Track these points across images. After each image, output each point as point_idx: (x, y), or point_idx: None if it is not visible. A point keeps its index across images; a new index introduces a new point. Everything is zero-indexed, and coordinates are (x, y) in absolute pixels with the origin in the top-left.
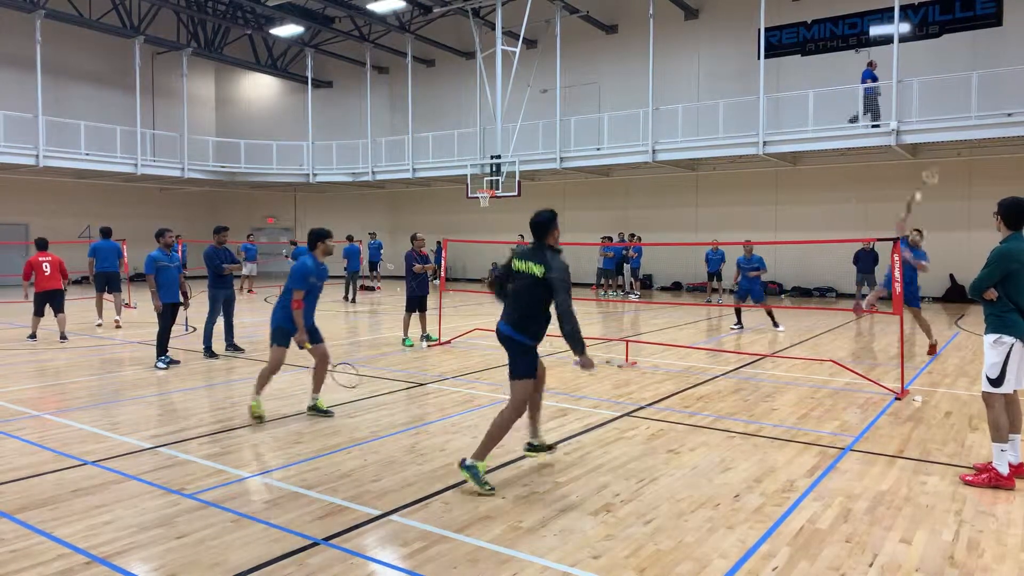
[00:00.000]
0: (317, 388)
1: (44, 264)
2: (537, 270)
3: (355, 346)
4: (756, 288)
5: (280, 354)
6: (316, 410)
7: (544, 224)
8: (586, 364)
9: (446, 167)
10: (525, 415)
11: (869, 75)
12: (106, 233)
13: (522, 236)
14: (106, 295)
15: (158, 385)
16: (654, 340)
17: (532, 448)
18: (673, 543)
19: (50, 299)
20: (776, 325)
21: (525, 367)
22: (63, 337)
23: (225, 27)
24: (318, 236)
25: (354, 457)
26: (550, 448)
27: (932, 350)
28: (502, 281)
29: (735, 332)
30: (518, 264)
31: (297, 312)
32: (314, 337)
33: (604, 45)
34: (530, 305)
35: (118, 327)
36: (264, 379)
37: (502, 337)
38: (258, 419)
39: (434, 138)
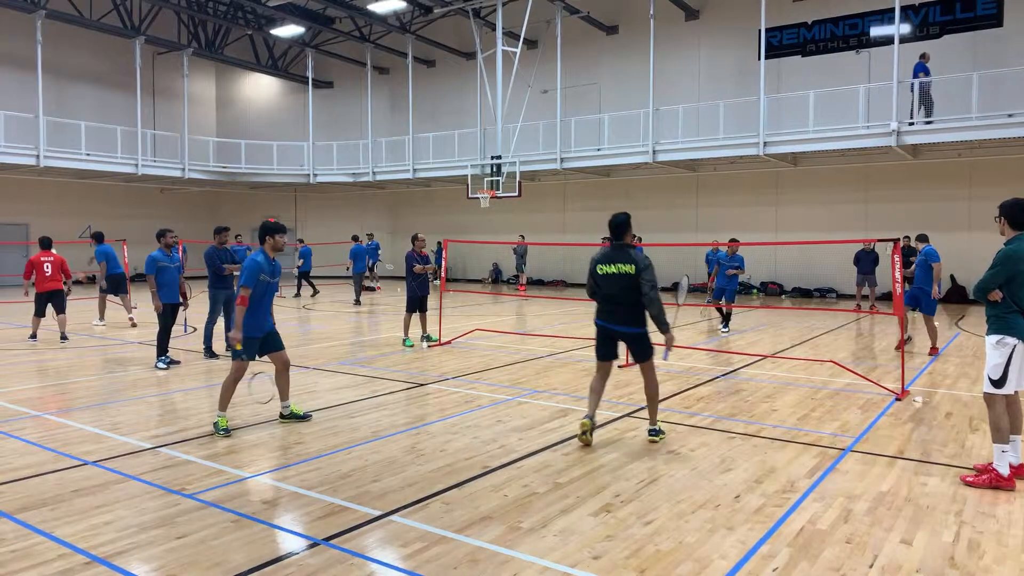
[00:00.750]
0: (285, 396)
1: (45, 264)
2: (629, 268)
3: (356, 346)
4: (731, 288)
5: (242, 365)
6: (292, 416)
7: (623, 225)
8: (670, 341)
9: (447, 167)
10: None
11: (922, 68)
12: (99, 238)
13: (522, 236)
14: (112, 297)
15: (158, 385)
16: (654, 341)
17: (593, 423)
18: (673, 543)
19: (51, 299)
20: (725, 325)
21: (651, 347)
22: (63, 337)
23: (226, 27)
24: (268, 230)
25: (354, 457)
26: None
27: (933, 351)
28: (595, 288)
29: (725, 335)
30: (605, 268)
31: (240, 309)
32: (274, 343)
33: (604, 46)
34: (633, 299)
35: (133, 326)
36: (228, 392)
37: (623, 336)
38: (225, 433)
39: (435, 138)
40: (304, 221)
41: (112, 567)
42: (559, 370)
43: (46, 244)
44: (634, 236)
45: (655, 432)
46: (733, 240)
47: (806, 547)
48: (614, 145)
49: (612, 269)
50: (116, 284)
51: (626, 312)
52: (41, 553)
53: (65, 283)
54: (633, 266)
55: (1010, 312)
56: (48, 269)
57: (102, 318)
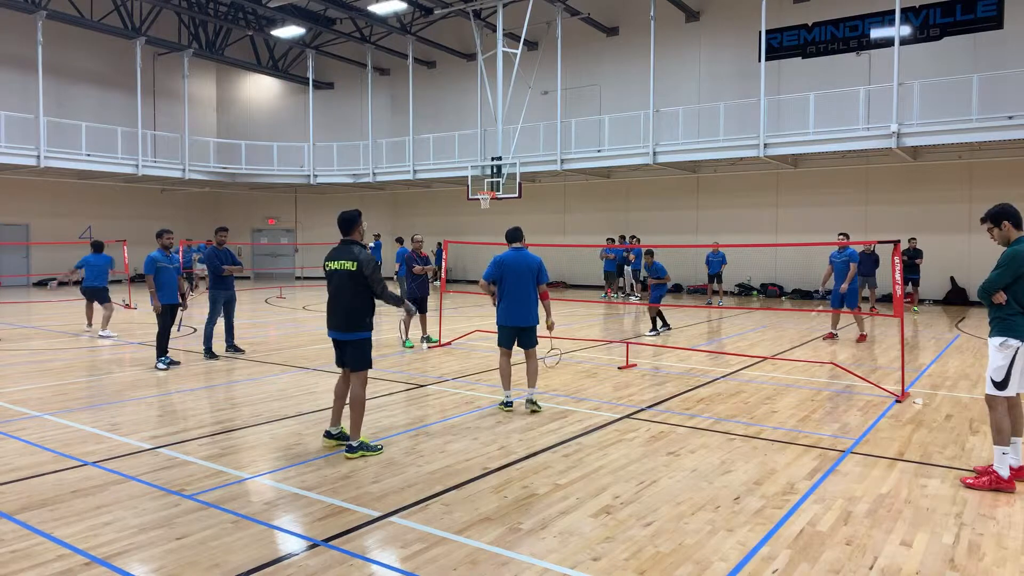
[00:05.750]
0: (533, 382)
1: None
2: (351, 266)
3: None
4: (656, 294)
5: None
6: (533, 403)
7: (351, 221)
8: (408, 310)
9: (447, 169)
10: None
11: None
12: (97, 247)
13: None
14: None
15: (158, 386)
16: (654, 342)
17: (337, 432)
18: (673, 545)
19: None
20: (653, 329)
21: (370, 358)
22: None
23: (226, 28)
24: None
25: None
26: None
27: (830, 336)
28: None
29: (652, 335)
30: (331, 265)
31: (547, 302)
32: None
33: (605, 47)
34: (354, 300)
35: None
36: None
37: (342, 343)
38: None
39: (435, 139)
40: (304, 222)
41: (112, 568)
42: (559, 371)
43: None
44: (632, 237)
45: (352, 448)
46: (648, 253)
47: (806, 549)
48: (614, 146)
49: (335, 266)
50: (91, 295)
51: (344, 315)
52: (40, 554)
53: None
54: (356, 263)
55: (1014, 314)
56: None
57: (90, 324)
